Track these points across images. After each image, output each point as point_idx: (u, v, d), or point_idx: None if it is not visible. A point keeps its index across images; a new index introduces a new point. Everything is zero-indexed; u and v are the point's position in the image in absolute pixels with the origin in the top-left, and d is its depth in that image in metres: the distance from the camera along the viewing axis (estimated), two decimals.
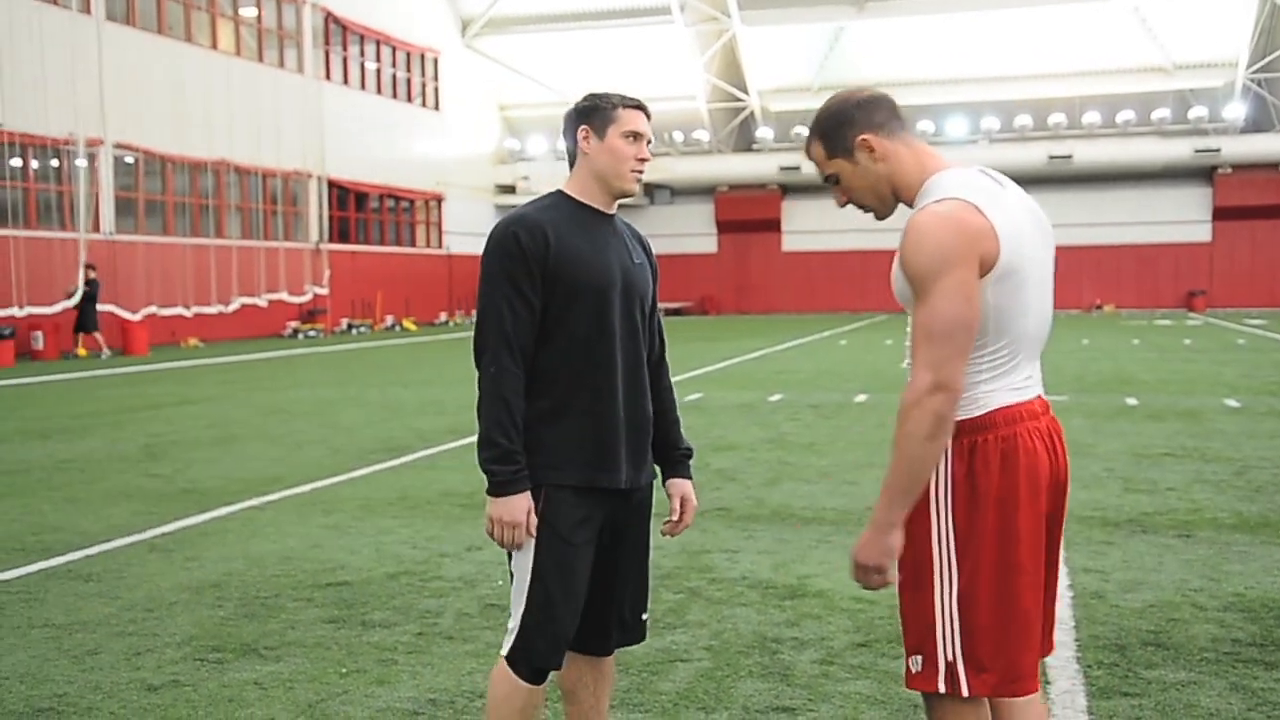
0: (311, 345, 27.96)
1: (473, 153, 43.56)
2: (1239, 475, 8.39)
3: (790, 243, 45.13)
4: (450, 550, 6.47)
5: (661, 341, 3.24)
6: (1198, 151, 39.78)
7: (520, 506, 2.90)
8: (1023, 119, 42.30)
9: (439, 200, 40.69)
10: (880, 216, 2.72)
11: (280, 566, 6.16)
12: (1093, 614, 5.06)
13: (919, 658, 2.55)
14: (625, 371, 3.03)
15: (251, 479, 8.89)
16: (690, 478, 3.26)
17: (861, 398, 14.04)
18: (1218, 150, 39.55)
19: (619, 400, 3.01)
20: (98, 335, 24.50)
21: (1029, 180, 41.56)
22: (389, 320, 36.12)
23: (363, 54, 37.07)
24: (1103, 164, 40.87)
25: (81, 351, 24.36)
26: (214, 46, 30.38)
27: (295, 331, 31.57)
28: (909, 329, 2.54)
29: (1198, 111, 40.82)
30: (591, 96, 3.10)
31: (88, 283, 24.35)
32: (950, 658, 2.50)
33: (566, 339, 2.95)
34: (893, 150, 2.58)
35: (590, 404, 2.97)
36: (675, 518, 3.22)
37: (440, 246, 40.91)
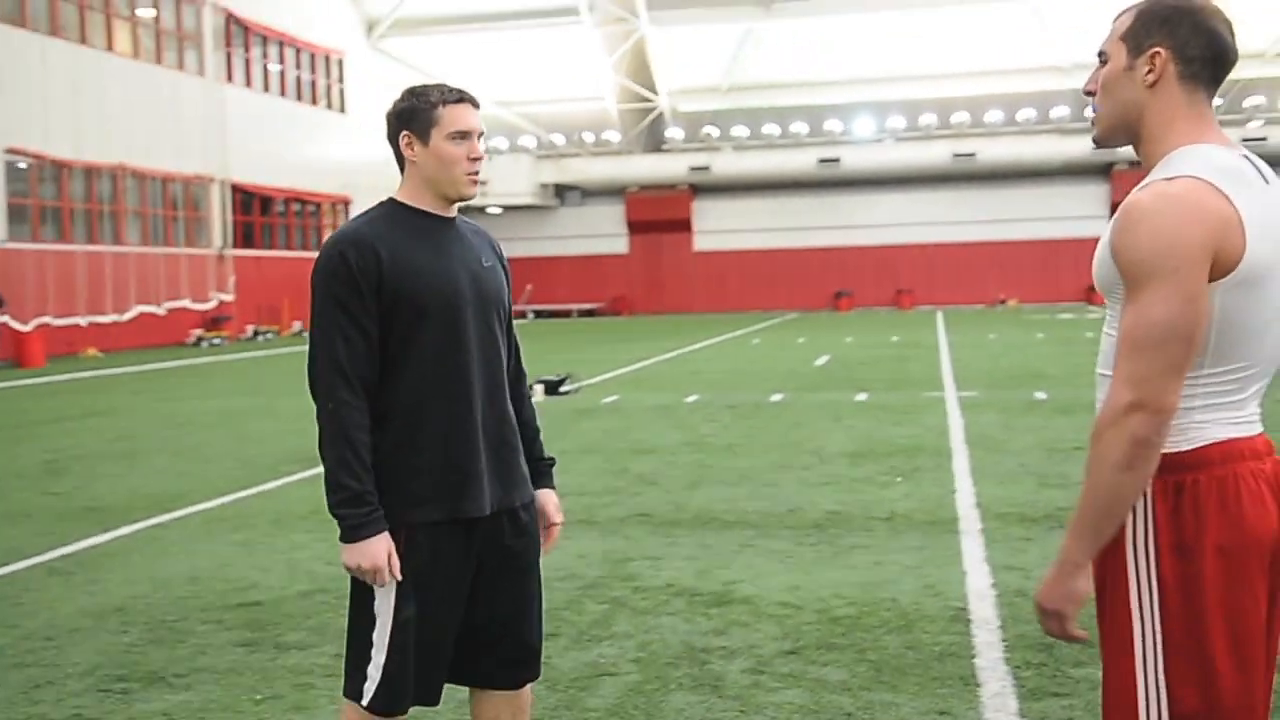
0: (217, 353, 27.32)
1: (381, 155, 41.62)
2: None
3: (701, 242, 45.27)
4: None
5: (517, 350, 3.02)
6: (1095, 148, 40.69)
7: (378, 551, 2.65)
8: (927, 118, 42.98)
9: (346, 204, 40.03)
10: (1099, 139, 2.25)
11: (188, 587, 5.93)
12: (1017, 612, 5.07)
13: None
14: (484, 389, 2.80)
15: (157, 495, 8.59)
16: (554, 488, 3.06)
17: (777, 397, 14.07)
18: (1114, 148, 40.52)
19: (478, 420, 2.78)
20: None
21: (934, 178, 42.40)
22: (296, 326, 35.45)
23: (265, 56, 36.31)
24: (1005, 162, 41.64)
25: None
26: (110, 48, 29.50)
27: (199, 339, 30.83)
28: (1105, 328, 2.16)
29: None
30: (409, 95, 2.84)
31: None
32: None
33: (417, 361, 2.72)
34: (1174, 90, 2.10)
35: (447, 429, 2.74)
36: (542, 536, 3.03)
37: None
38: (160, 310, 30.29)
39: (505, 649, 2.89)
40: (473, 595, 2.84)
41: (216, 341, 30.80)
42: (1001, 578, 5.66)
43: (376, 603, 2.74)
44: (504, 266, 2.97)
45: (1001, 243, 42.88)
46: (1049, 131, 42.23)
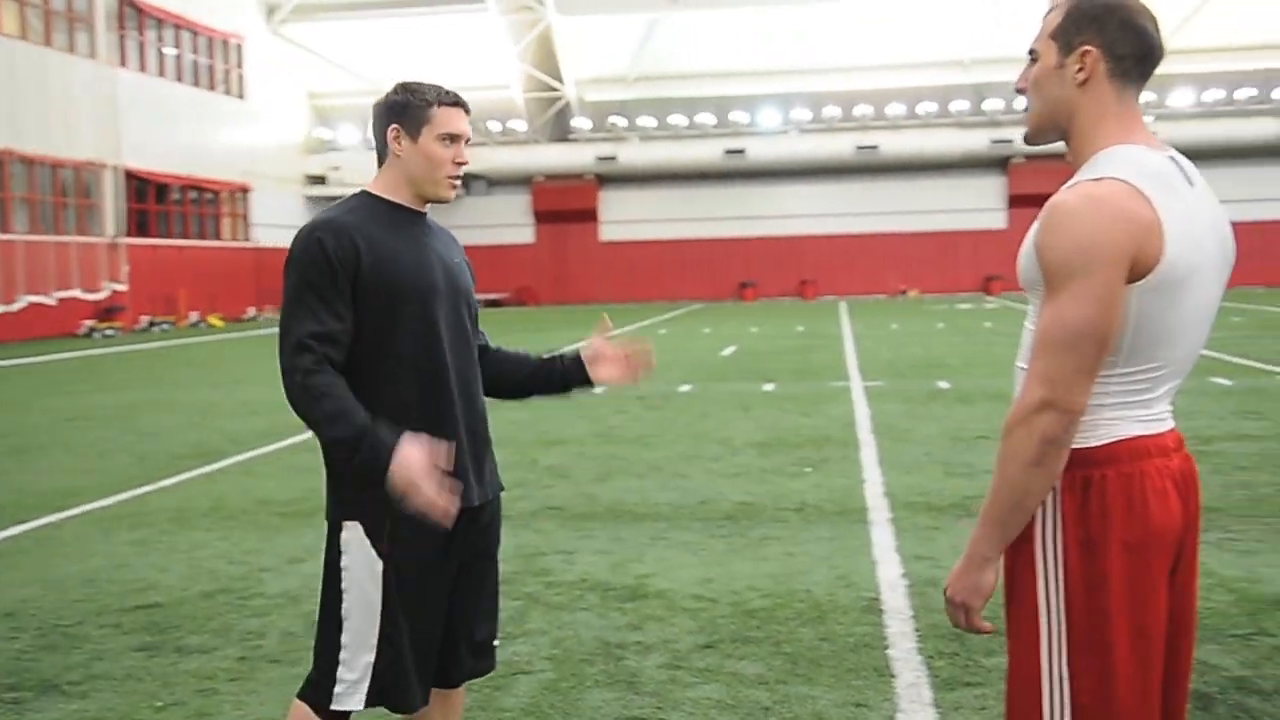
0: (110, 345, 26.53)
1: (281, 142, 42.12)
2: None
3: (608, 232, 45.22)
4: (270, 564, 6.14)
5: (483, 334, 3.04)
6: (993, 142, 41.54)
7: (411, 458, 2.52)
8: (831, 110, 43.42)
9: (245, 191, 39.19)
10: (1030, 137, 2.26)
11: (83, 590, 5.72)
12: (929, 602, 5.11)
13: None
14: (459, 380, 2.80)
15: (48, 492, 8.28)
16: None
17: (686, 388, 14.09)
18: (1011, 141, 41.35)
19: (457, 411, 2.78)
20: None
21: (838, 170, 42.87)
22: (193, 317, 34.61)
23: (161, 39, 35.35)
24: (907, 154, 42.29)
25: None
26: None
27: (91, 330, 29.91)
28: (1026, 323, 2.17)
29: (993, 104, 42.65)
30: (404, 89, 2.80)
31: None
32: None
33: (394, 352, 2.70)
34: (1104, 88, 2.11)
35: (428, 420, 2.71)
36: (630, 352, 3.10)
37: (247, 239, 39.42)
38: (50, 300, 29.34)
39: (468, 644, 2.90)
40: (450, 588, 2.83)
41: (109, 333, 29.93)
42: (912, 567, 5.71)
43: (345, 604, 2.69)
44: (469, 265, 2.99)
45: (903, 234, 43.56)
46: (949, 125, 42.98)
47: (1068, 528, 2.06)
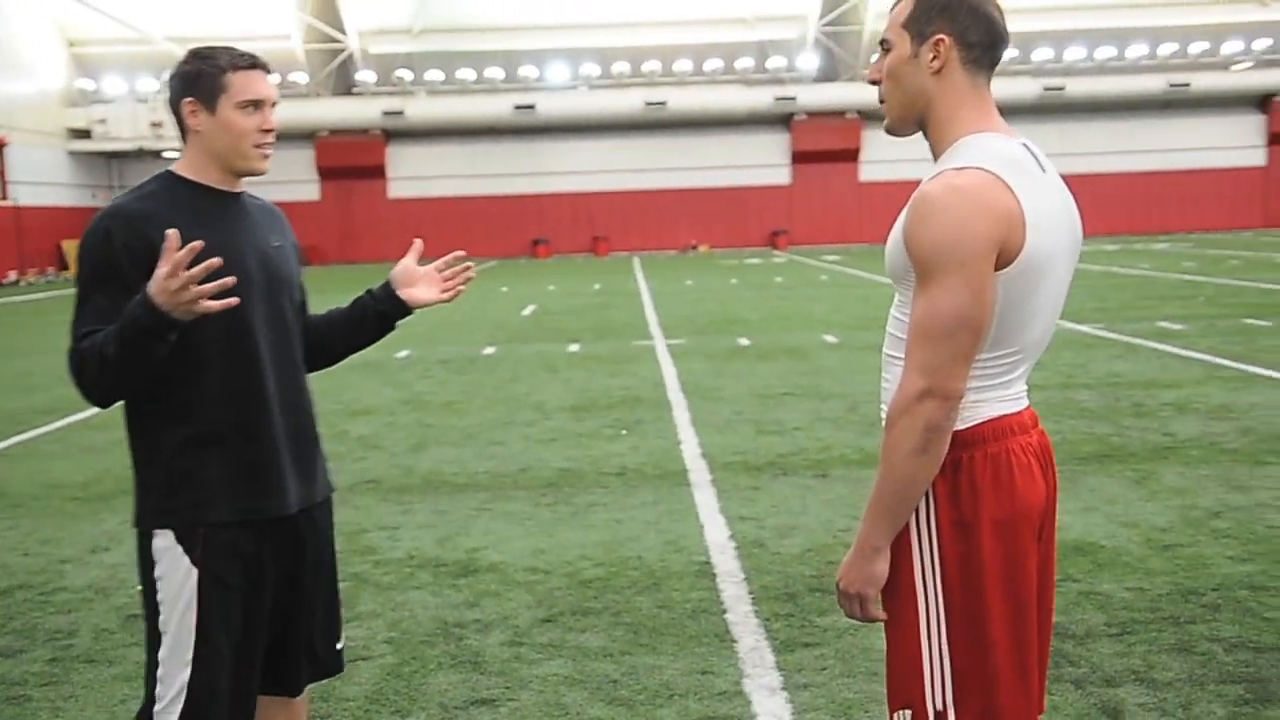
0: None
1: (38, 93, 39.29)
2: (852, 411, 9.00)
3: (396, 189, 44.19)
4: (71, 554, 5.78)
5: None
6: (777, 99, 42.51)
7: (158, 276, 2.28)
8: (620, 66, 43.49)
9: (1, 146, 36.52)
10: (891, 128, 2.27)
11: None
12: (758, 563, 5.23)
13: (907, 713, 2.17)
14: (277, 379, 2.61)
15: None
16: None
17: (490, 350, 13.96)
18: (794, 99, 42.45)
19: (274, 413, 2.59)
20: None
21: (628, 126, 43.05)
22: None
23: None
24: (694, 110, 42.78)
25: None
26: None
27: None
28: (894, 311, 2.20)
29: (776, 62, 43.60)
30: (193, 58, 2.57)
31: None
32: (940, 707, 2.15)
33: (199, 351, 2.49)
34: (958, 76, 2.15)
35: (240, 424, 2.54)
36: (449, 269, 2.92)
37: (4, 198, 36.79)
38: None
39: (308, 655, 2.74)
40: (274, 598, 2.65)
41: None
42: (738, 529, 5.83)
43: (162, 617, 2.51)
44: (293, 244, 2.78)
45: (692, 190, 44.17)
46: (735, 82, 43.68)
47: (940, 509, 2.13)
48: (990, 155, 2.09)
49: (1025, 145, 2.16)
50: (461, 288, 2.96)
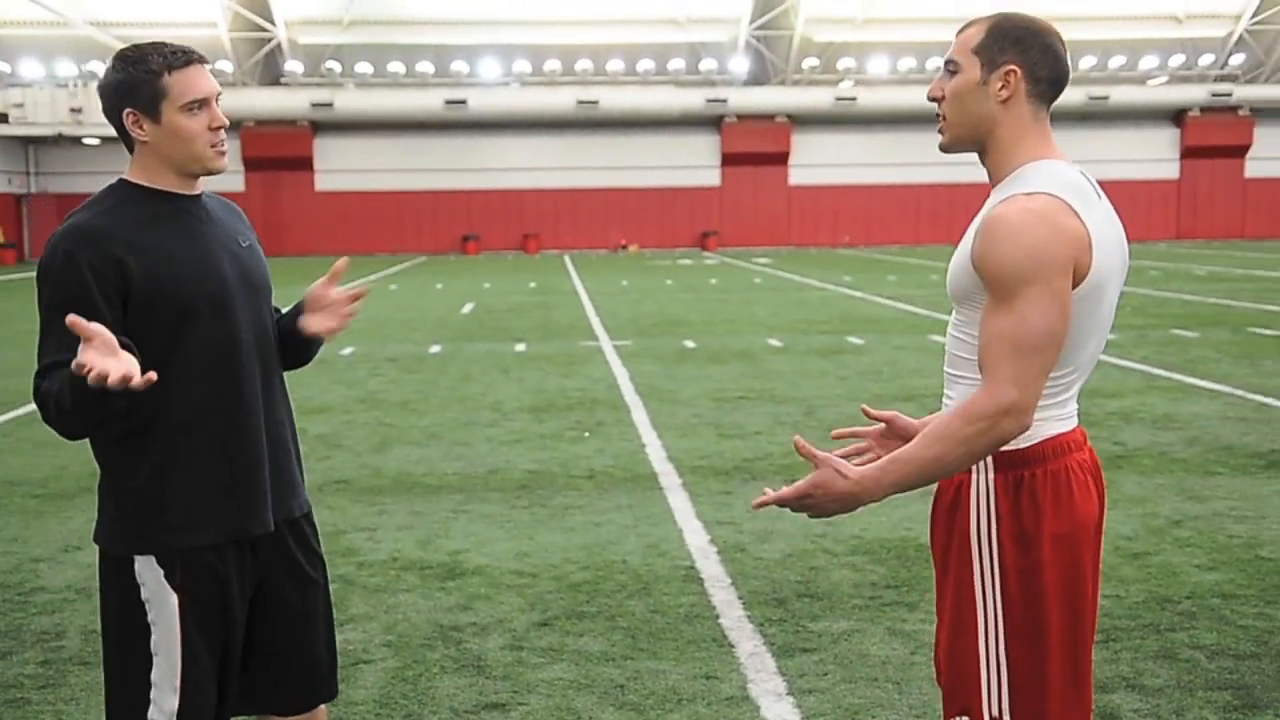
0: None
1: None
2: (809, 415, 9.15)
3: (324, 182, 43.63)
4: (43, 553, 5.68)
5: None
6: (708, 101, 42.78)
7: (84, 357, 2.14)
8: (552, 64, 43.44)
9: None
10: (946, 146, 2.34)
11: None
12: (743, 569, 5.32)
13: (964, 719, 2.26)
14: (264, 391, 2.53)
15: None
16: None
17: (436, 348, 13.91)
18: (725, 101, 42.75)
19: (258, 430, 2.50)
20: None
21: (560, 124, 42.99)
22: None
23: None
24: (626, 110, 42.86)
25: None
26: None
27: None
28: (954, 331, 2.29)
29: (708, 64, 43.90)
30: (121, 63, 2.39)
31: None
32: (995, 713, 2.23)
33: (184, 367, 2.39)
34: (1024, 107, 2.24)
35: (224, 441, 2.45)
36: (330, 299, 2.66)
37: None
38: None
39: (296, 671, 2.65)
40: (258, 615, 2.58)
41: None
42: (716, 533, 5.90)
43: (154, 639, 2.45)
44: (258, 240, 2.67)
45: (622, 189, 44.25)
46: (666, 83, 43.86)
47: (1003, 524, 2.21)
48: (1056, 181, 2.18)
49: (1083, 173, 2.26)
50: (349, 318, 2.73)
